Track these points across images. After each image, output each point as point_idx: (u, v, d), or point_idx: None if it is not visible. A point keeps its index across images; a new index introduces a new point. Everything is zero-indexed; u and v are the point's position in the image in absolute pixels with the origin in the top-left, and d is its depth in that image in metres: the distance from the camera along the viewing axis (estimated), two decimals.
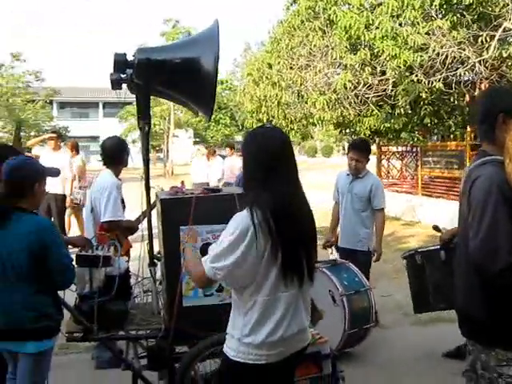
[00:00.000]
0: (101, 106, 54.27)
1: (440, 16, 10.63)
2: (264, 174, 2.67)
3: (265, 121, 12.04)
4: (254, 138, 2.86)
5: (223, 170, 13.16)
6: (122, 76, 4.14)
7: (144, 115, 3.98)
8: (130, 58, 3.96)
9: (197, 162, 13.92)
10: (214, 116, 40.01)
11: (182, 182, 4.14)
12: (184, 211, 3.75)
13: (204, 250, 3.92)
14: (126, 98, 4.22)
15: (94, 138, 51.49)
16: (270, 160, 2.68)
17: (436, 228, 5.27)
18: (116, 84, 4.15)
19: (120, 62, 3.92)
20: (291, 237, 2.65)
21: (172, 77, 3.95)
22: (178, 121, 38.03)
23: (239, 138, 54.08)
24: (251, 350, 2.68)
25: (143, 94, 3.95)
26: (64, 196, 10.01)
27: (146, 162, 4.13)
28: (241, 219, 2.62)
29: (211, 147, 16.04)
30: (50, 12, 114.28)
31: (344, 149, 51.80)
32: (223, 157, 15.10)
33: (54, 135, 10.36)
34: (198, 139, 44.00)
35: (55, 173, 3.94)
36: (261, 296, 2.65)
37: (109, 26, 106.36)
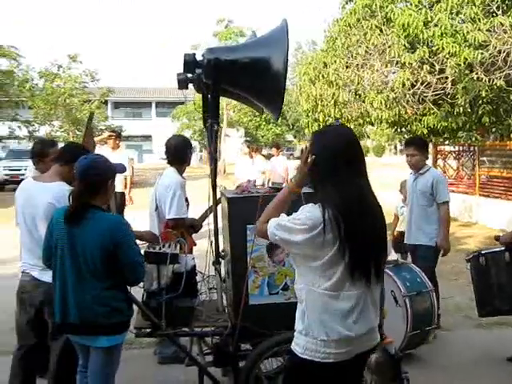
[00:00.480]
0: (153, 105, 55.07)
1: (501, 12, 10.37)
2: (332, 172, 2.67)
3: (321, 120, 12.00)
4: (320, 137, 2.87)
5: (267, 169, 13.11)
6: (189, 76, 4.21)
7: (213, 114, 4.03)
8: (199, 57, 4.02)
9: (240, 162, 13.98)
10: (264, 115, 40.05)
11: (248, 181, 4.17)
12: (251, 210, 3.77)
13: (270, 249, 3.98)
14: (185, 98, 4.29)
15: (147, 138, 52.44)
16: (336, 158, 2.68)
17: (496, 238, 5.27)
18: (183, 83, 4.22)
19: (189, 62, 3.98)
20: (360, 237, 2.63)
21: (241, 76, 3.99)
22: (229, 120, 38.26)
23: (290, 136, 54.07)
24: (319, 347, 2.68)
25: (212, 93, 4.00)
26: (123, 194, 10.19)
27: (214, 160, 4.18)
28: (313, 212, 2.62)
29: (254, 145, 15.91)
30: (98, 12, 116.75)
31: (396, 148, 51.08)
32: (268, 156, 15.00)
33: (114, 134, 10.52)
34: (248, 138, 44.18)
35: (123, 169, 3.99)
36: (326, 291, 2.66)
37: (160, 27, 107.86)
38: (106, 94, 33.12)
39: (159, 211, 4.84)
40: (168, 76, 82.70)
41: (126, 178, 10.27)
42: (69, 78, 29.98)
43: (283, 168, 13.36)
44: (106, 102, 38.13)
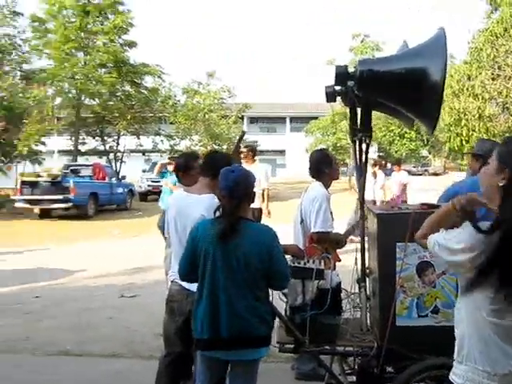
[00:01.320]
0: (288, 120, 55.78)
1: None
2: None
3: (464, 135, 11.46)
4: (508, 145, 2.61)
5: (386, 184, 12.72)
6: (337, 88, 4.15)
7: (365, 127, 3.93)
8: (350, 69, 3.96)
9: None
10: (398, 130, 38.90)
11: (398, 197, 4.02)
12: (401, 227, 3.62)
13: (421, 269, 3.79)
14: (333, 110, 4.21)
15: (281, 152, 53.18)
16: None
17: None
18: (331, 96, 4.17)
19: (341, 74, 3.93)
20: None
21: (396, 88, 3.86)
22: None
23: (424, 152, 52.42)
24: (482, 378, 2.47)
25: (365, 105, 3.91)
26: (260, 209, 10.12)
27: (364, 174, 4.07)
28: (472, 236, 2.43)
29: (379, 160, 15.33)
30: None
31: None
32: (388, 172, 14.54)
33: (249, 149, 10.62)
34: (381, 154, 43.37)
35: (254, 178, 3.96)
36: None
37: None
38: (242, 109, 34.05)
39: (304, 224, 4.79)
40: (302, 91, 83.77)
41: (263, 192, 10.32)
42: (208, 95, 31.20)
43: (403, 183, 12.92)
44: (242, 117, 39.17)
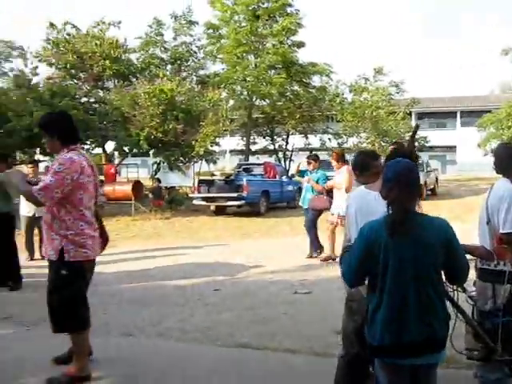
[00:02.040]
0: (458, 115, 53.31)
1: None
2: None
3: None
4: None
5: None
6: None
7: None
8: None
9: None
10: None
11: None
12: None
13: None
14: None
15: (451, 148, 50.97)
16: None
17: None
18: None
19: None
20: None
21: None
22: None
23: None
24: None
25: None
26: None
27: None
28: None
29: None
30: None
31: None
32: None
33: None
34: None
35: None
36: None
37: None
38: (410, 104, 33.18)
39: (491, 224, 4.51)
40: (472, 84, 79.38)
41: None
42: (376, 91, 30.80)
43: None
44: (410, 113, 38.14)
